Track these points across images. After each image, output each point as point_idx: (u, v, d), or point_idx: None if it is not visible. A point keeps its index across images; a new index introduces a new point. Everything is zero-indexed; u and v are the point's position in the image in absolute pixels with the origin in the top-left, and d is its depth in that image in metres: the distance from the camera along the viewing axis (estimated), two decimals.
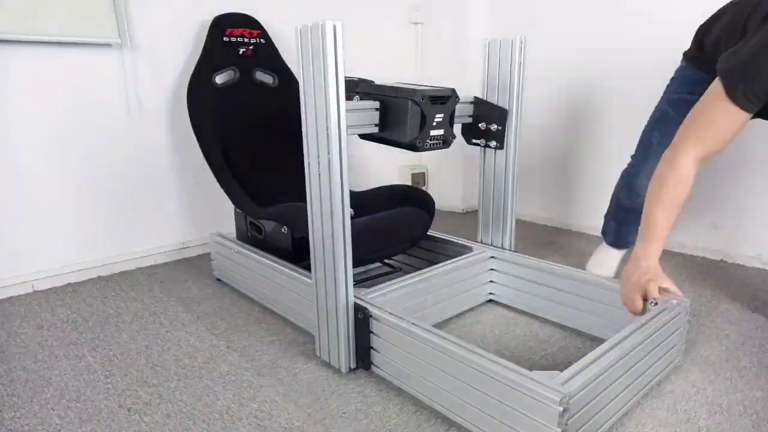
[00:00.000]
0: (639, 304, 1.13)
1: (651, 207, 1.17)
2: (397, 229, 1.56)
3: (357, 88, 1.30)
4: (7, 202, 1.67)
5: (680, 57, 1.48)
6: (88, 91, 1.77)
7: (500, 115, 1.47)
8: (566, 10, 2.26)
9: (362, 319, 1.17)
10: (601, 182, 2.19)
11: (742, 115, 1.08)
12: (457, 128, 1.40)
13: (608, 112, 2.17)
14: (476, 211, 1.65)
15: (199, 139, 1.81)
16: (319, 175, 1.13)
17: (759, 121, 1.84)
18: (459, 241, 1.64)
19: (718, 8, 1.34)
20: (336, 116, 1.07)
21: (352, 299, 1.19)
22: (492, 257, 1.55)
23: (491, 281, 1.57)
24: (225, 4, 1.93)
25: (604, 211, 1.72)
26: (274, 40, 2.01)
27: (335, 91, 1.05)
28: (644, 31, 2.01)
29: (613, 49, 2.10)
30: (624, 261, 1.59)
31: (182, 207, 2.06)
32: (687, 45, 1.45)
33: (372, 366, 1.20)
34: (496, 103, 1.48)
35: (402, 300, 1.31)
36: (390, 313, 1.14)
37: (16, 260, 1.72)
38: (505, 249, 1.57)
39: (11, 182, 1.67)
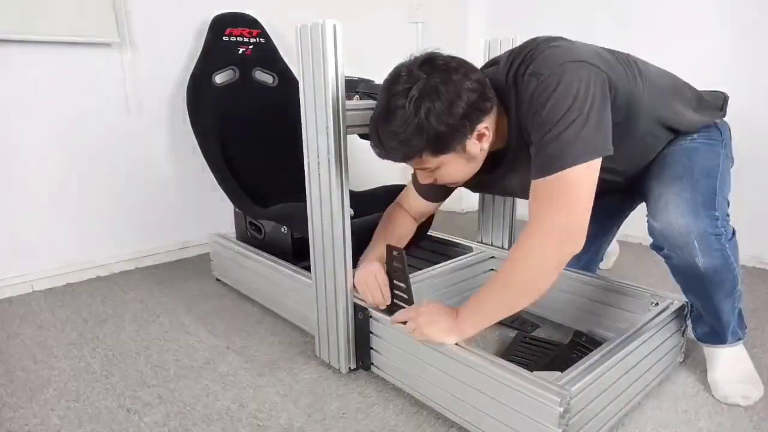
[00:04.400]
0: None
1: None
2: None
3: (357, 88, 1.29)
4: (6, 202, 1.67)
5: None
6: (88, 91, 1.77)
7: None
8: (565, 10, 2.25)
9: (362, 320, 1.17)
10: None
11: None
12: None
13: None
14: (476, 211, 1.64)
15: (198, 139, 1.81)
16: (319, 175, 1.13)
17: (759, 123, 1.84)
18: (459, 241, 1.64)
19: None
20: (336, 116, 1.07)
21: (352, 299, 1.19)
22: (492, 257, 1.55)
23: None
24: (225, 4, 1.93)
25: None
26: (274, 40, 2.01)
27: (335, 91, 1.05)
28: (645, 31, 2.01)
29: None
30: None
31: (182, 207, 2.05)
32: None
33: (372, 366, 1.20)
34: None
35: None
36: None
37: (16, 260, 1.71)
38: (505, 249, 1.56)
39: (11, 182, 1.67)
